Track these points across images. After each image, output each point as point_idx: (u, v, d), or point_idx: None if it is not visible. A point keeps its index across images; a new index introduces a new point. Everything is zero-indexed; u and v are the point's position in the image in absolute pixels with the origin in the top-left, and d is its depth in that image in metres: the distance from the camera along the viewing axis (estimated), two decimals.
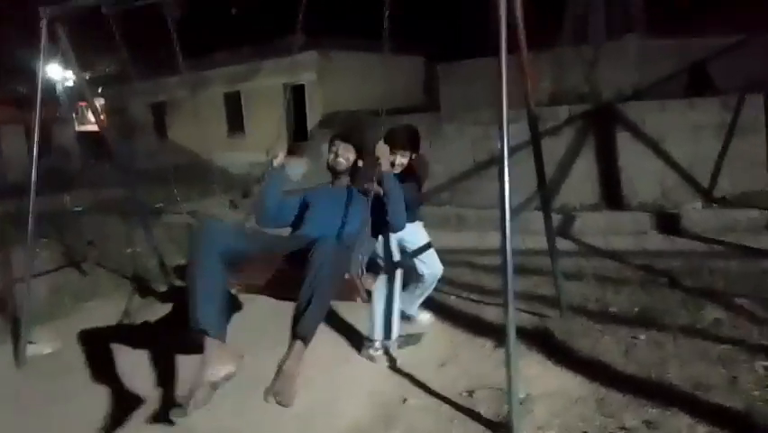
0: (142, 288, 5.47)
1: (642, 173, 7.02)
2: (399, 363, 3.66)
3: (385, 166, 2.90)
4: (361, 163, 3.30)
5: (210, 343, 2.24)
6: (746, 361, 3.11)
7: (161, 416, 2.91)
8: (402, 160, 3.49)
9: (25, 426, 3.13)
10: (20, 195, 11.50)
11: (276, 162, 3.10)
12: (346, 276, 2.43)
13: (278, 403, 2.19)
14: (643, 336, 3.52)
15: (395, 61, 14.45)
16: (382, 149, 2.93)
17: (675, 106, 7.13)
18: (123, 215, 7.86)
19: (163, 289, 5.22)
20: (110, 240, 7.60)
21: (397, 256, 3.71)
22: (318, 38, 12.74)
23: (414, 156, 3.58)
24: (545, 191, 3.74)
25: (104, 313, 4.83)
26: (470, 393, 3.12)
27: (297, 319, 2.28)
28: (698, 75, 8.58)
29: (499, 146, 2.76)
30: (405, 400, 3.16)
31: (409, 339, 3.88)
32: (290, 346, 2.27)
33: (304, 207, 3.22)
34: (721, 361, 3.12)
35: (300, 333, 2.26)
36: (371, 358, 3.68)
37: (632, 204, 6.96)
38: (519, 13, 3.28)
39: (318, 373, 3.46)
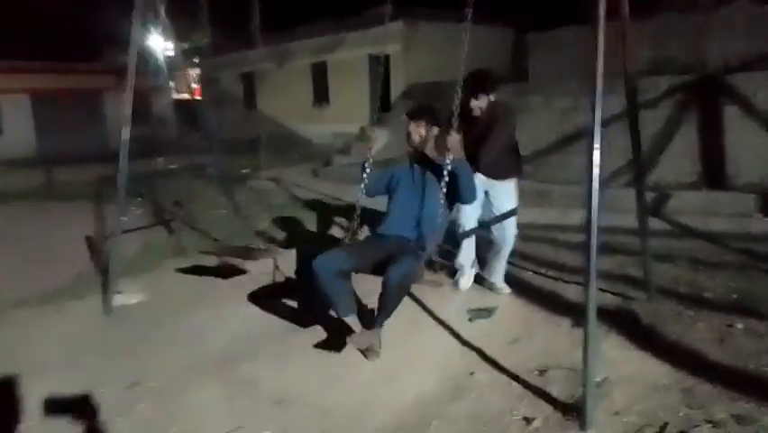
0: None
1: (748, 151, 6.42)
2: (470, 336, 3.55)
3: (456, 154, 3.10)
4: (437, 131, 3.45)
5: (351, 320, 3.20)
6: None
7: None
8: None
9: (112, 369, 3.29)
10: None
11: (374, 151, 3.49)
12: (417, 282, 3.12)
13: (366, 356, 3.22)
14: (740, 325, 3.20)
15: (482, 32, 13.96)
16: (453, 141, 3.07)
17: None
18: (210, 178, 8.13)
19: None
20: (197, 201, 7.90)
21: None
22: (404, 8, 12.53)
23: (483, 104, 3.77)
24: (640, 166, 3.44)
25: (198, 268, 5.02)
26: (543, 372, 2.97)
27: (377, 316, 3.13)
28: None
29: (593, 115, 2.52)
30: (472, 374, 3.06)
31: (481, 313, 3.76)
32: (372, 331, 3.16)
33: (393, 182, 3.59)
34: None
35: (378, 325, 3.16)
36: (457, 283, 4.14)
37: (735, 184, 6.39)
38: None
39: (387, 343, 3.42)
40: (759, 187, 6.25)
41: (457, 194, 3.26)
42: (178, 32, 4.66)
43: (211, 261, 4.66)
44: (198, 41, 21.40)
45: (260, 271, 4.55)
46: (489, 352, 3.29)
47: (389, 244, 3.30)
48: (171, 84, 21.79)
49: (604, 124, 7.16)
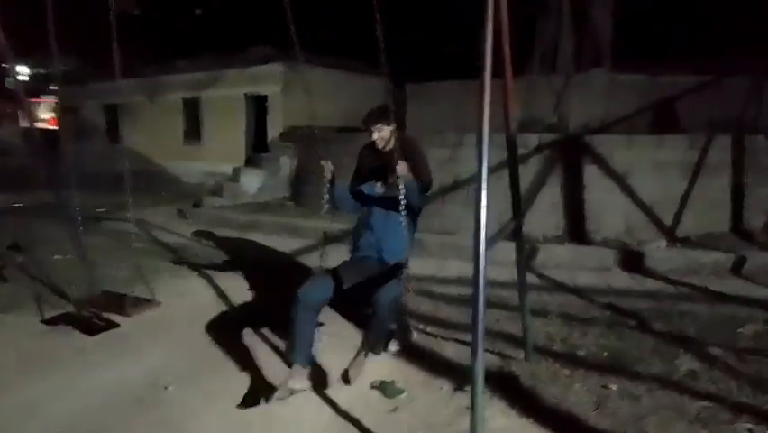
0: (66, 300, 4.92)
1: (607, 208, 6.86)
2: (345, 405, 3.26)
3: (407, 179, 3.41)
4: (394, 126, 3.85)
5: (296, 366, 3.26)
6: (728, 421, 2.83)
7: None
8: (382, 134, 3.83)
9: None
10: None
11: (328, 177, 3.59)
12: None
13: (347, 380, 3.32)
14: (614, 387, 3.22)
15: (360, 79, 14.20)
16: (402, 167, 3.38)
17: (642, 142, 7.02)
18: (60, 219, 7.25)
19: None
20: (41, 245, 6.97)
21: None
22: (284, 49, 12.37)
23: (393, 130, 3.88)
24: (519, 219, 3.42)
25: (17, 328, 4.29)
26: None
27: (367, 341, 3.49)
28: (664, 112, 8.57)
29: (477, 165, 2.41)
30: None
31: (393, 389, 3.46)
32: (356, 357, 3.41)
33: (365, 199, 3.89)
34: (701, 421, 2.84)
35: (369, 349, 3.47)
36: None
37: (595, 239, 6.77)
38: (506, 36, 3.00)
39: (253, 415, 3.04)
40: (615, 242, 6.67)
41: (410, 201, 3.51)
42: (31, 55, 4.08)
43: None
44: (55, 66, 19.86)
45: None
46: (367, 424, 3.02)
47: (370, 266, 3.60)
48: (19, 111, 19.85)
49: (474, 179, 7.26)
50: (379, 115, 3.81)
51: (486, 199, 2.46)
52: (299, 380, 3.23)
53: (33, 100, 23.21)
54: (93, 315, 4.30)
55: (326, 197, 3.57)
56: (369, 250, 3.73)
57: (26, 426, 3.02)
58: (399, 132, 3.90)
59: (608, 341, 3.92)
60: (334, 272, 3.51)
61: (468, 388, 3.29)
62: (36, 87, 22.50)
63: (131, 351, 3.88)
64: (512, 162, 3.31)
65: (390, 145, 3.81)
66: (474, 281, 2.40)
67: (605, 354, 3.72)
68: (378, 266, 3.60)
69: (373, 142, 3.89)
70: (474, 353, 2.34)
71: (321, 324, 3.55)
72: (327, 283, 3.38)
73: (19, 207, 5.80)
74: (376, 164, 3.96)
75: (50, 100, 22.74)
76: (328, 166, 3.57)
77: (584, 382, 3.30)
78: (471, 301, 2.39)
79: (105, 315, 4.31)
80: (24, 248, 6.52)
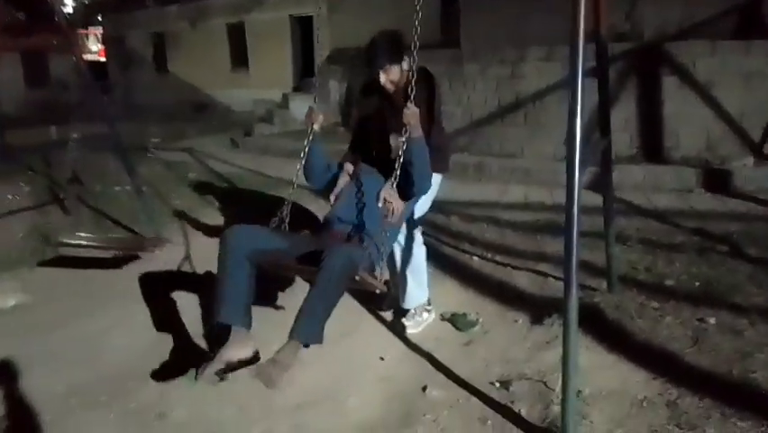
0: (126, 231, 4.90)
1: (686, 123, 6.28)
2: (418, 339, 3.11)
3: (415, 133, 2.52)
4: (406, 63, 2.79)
5: (235, 331, 2.34)
6: None
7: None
8: (390, 76, 2.79)
9: None
10: (13, 126, 10.88)
11: (317, 128, 2.73)
12: (357, 278, 2.26)
13: (264, 384, 2.12)
14: (712, 320, 2.90)
15: None
16: (411, 113, 2.48)
17: (728, 49, 6.29)
18: (115, 150, 7.25)
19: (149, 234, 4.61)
20: (99, 177, 6.98)
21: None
22: None
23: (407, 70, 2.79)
24: (609, 137, 3.04)
25: (80, 260, 4.28)
26: (506, 385, 2.55)
27: (298, 322, 2.22)
28: (751, 15, 7.66)
29: (571, 78, 2.06)
30: (425, 389, 2.61)
31: (466, 321, 3.26)
32: (287, 344, 2.20)
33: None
34: None
35: (299, 337, 2.20)
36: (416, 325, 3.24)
37: (673, 156, 6.26)
38: None
39: (318, 353, 2.90)
40: (696, 160, 6.14)
41: (410, 182, 2.60)
42: None
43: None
44: None
45: (165, 264, 3.92)
46: (441, 359, 2.86)
47: (329, 235, 2.64)
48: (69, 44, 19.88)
49: (544, 93, 6.71)
50: (385, 50, 2.77)
51: (580, 119, 2.13)
52: (240, 347, 2.30)
53: (82, 32, 23.24)
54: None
55: (306, 154, 2.72)
56: (347, 213, 2.71)
57: (90, 358, 2.99)
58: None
59: (698, 269, 3.57)
60: (279, 230, 2.66)
61: (546, 321, 3.09)
62: (82, 18, 22.43)
63: (185, 285, 3.79)
64: (602, 74, 2.90)
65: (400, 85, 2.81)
66: (567, 212, 2.10)
67: (696, 283, 3.39)
68: (337, 234, 2.64)
69: (374, 81, 2.85)
70: (568, 290, 2.07)
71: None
72: (262, 233, 2.53)
73: (77, 138, 5.78)
74: (376, 116, 2.95)
75: (98, 31, 22.69)
76: (316, 116, 2.70)
77: (676, 315, 3.01)
78: (564, 232, 2.10)
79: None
80: (84, 180, 6.53)
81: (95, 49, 23.43)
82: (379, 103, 2.94)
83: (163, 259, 4.03)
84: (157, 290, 3.58)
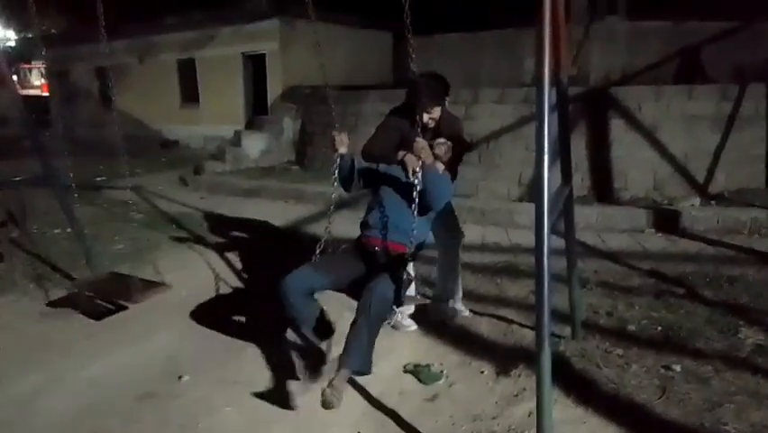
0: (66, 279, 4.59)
1: (634, 164, 6.47)
2: (377, 392, 2.95)
3: (428, 161, 2.79)
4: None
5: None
6: None
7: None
8: (433, 115, 3.19)
9: None
10: None
11: (342, 151, 3.02)
12: (395, 307, 2.70)
13: (324, 407, 2.38)
14: (678, 367, 2.89)
15: (362, 35, 13.56)
16: (422, 145, 2.74)
17: (671, 93, 6.57)
18: (56, 190, 6.90)
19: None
20: (36, 218, 6.60)
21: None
22: (281, 4, 11.74)
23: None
24: (570, 182, 3.02)
25: (15, 311, 3.98)
26: None
27: (347, 352, 2.51)
28: (689, 61, 8.07)
29: (537, 122, 2.01)
30: None
31: (430, 373, 3.12)
32: (338, 373, 2.46)
33: (381, 172, 3.19)
34: None
35: (350, 366, 2.49)
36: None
37: (623, 197, 6.41)
38: None
39: (273, 411, 2.73)
40: (645, 201, 6.31)
41: (427, 201, 2.88)
42: (19, 19, 3.61)
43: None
44: (45, 29, 19.09)
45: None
46: (405, 416, 2.71)
47: (370, 259, 2.95)
48: (14, 78, 19.16)
49: (499, 133, 6.78)
50: (441, 93, 3.17)
51: (548, 164, 2.08)
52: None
53: (24, 66, 22.48)
54: (98, 297, 3.95)
55: (340, 172, 3.06)
56: (375, 228, 3.04)
57: (21, 422, 2.70)
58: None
59: (657, 313, 3.58)
60: (323, 263, 2.93)
61: (513, 372, 3.00)
62: (24, 53, 21.75)
63: (137, 336, 3.55)
64: (563, 118, 2.89)
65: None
66: (538, 265, 2.02)
67: (658, 328, 3.39)
68: (378, 257, 2.95)
69: (407, 109, 3.21)
70: (540, 345, 1.99)
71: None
72: (310, 274, 2.81)
73: (17, 180, 5.44)
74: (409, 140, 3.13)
75: (41, 65, 22.00)
76: (342, 138, 2.98)
77: (641, 363, 2.98)
78: (536, 284, 2.02)
79: (112, 298, 3.96)
80: (20, 222, 6.15)
81: (37, 83, 22.71)
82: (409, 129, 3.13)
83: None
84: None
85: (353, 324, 2.57)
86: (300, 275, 2.77)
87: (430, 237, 3.35)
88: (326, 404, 2.36)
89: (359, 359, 2.51)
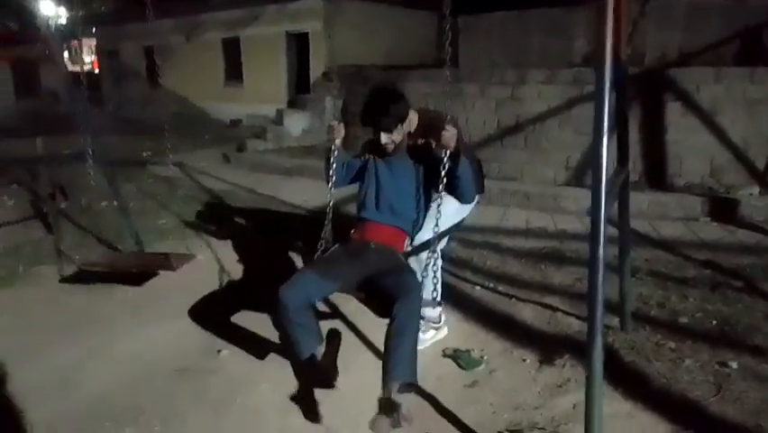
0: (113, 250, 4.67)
1: (690, 149, 6.17)
2: (418, 376, 2.88)
3: (455, 151, 2.53)
4: (414, 117, 2.91)
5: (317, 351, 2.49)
6: None
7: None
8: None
9: None
10: (1, 137, 10.61)
11: (335, 147, 2.79)
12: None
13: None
14: (734, 364, 2.72)
15: (405, 14, 13.35)
16: (450, 135, 2.49)
17: (732, 75, 6.20)
18: (104, 164, 7.05)
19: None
20: (84, 191, 6.75)
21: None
22: None
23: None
24: (626, 164, 2.85)
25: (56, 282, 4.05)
26: None
27: (392, 364, 2.28)
28: (751, 42, 7.62)
29: (596, 105, 1.88)
30: None
31: (471, 359, 3.04)
32: (390, 386, 2.23)
33: (369, 166, 2.93)
34: None
35: (397, 376, 2.26)
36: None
37: (677, 184, 6.13)
38: None
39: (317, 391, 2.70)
40: (700, 187, 6.02)
41: (455, 192, 2.69)
42: None
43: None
44: (95, 8, 19.49)
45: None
46: (444, 402, 2.65)
47: (373, 256, 2.69)
48: (65, 55, 19.65)
49: (545, 115, 6.56)
50: (388, 115, 2.71)
51: (606, 147, 1.95)
52: (325, 359, 2.53)
53: (75, 43, 23.04)
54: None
55: (333, 166, 2.79)
56: (375, 209, 2.85)
57: (63, 395, 2.75)
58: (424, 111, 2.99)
59: (713, 306, 3.39)
60: (325, 266, 2.65)
61: (557, 362, 2.89)
62: (75, 30, 22.25)
63: (178, 311, 3.57)
64: (621, 100, 2.72)
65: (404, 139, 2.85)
66: (593, 254, 1.90)
67: (713, 322, 3.21)
68: (381, 254, 2.71)
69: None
70: (592, 338, 1.88)
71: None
72: (313, 282, 2.54)
73: (68, 153, 5.62)
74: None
75: (91, 43, 22.50)
76: (338, 131, 2.77)
77: (695, 358, 2.82)
78: (589, 276, 1.90)
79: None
80: (69, 195, 6.30)
81: (88, 60, 23.25)
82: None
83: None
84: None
85: (389, 337, 2.33)
86: (301, 283, 2.50)
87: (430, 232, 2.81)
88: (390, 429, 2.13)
89: (408, 365, 2.29)
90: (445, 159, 2.51)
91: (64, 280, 4.00)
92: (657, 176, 6.20)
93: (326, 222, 2.85)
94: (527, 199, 6.10)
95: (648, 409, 2.44)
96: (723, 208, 5.33)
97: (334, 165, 2.80)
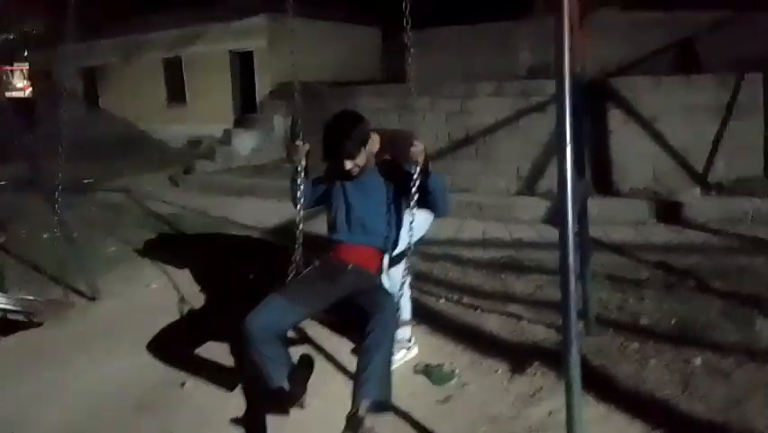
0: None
1: (633, 156, 6.39)
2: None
3: (424, 166, 2.51)
4: (376, 139, 2.79)
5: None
6: None
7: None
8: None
9: None
10: None
11: (301, 167, 2.72)
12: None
13: None
14: (698, 361, 2.81)
15: (350, 30, 13.43)
16: (419, 150, 2.48)
17: (670, 83, 6.50)
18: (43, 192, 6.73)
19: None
20: (24, 222, 6.43)
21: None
22: (267, 1, 11.57)
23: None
24: (583, 173, 2.92)
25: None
26: None
27: (364, 385, 2.19)
28: (685, 52, 8.03)
29: (558, 117, 1.92)
30: None
31: (443, 373, 3.01)
32: (357, 403, 2.14)
33: (334, 194, 2.82)
34: None
35: (366, 394, 2.17)
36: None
37: (623, 189, 6.33)
38: None
39: (281, 419, 2.61)
40: (645, 192, 6.24)
41: (429, 205, 2.69)
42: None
43: None
44: (27, 30, 18.74)
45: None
46: (419, 419, 2.61)
47: (350, 277, 2.61)
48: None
49: (494, 127, 6.67)
50: (350, 139, 2.61)
51: (570, 156, 1.98)
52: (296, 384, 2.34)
53: (5, 68, 22.10)
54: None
55: (300, 188, 2.71)
56: (347, 230, 2.75)
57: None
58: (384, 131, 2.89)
59: (670, 306, 3.50)
60: (294, 291, 2.54)
61: (528, 370, 2.91)
62: (6, 54, 21.37)
63: (129, 343, 3.41)
64: (575, 110, 2.77)
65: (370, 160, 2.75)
66: (563, 263, 1.93)
67: (672, 321, 3.31)
68: (354, 275, 2.63)
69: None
70: (568, 347, 1.90)
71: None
72: (281, 308, 2.42)
73: (2, 183, 5.29)
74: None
75: (23, 67, 21.68)
76: (303, 148, 2.70)
77: (659, 357, 2.89)
78: (561, 283, 1.93)
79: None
80: (7, 226, 5.98)
81: (20, 85, 22.38)
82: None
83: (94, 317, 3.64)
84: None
85: (361, 353, 2.27)
86: (268, 311, 2.37)
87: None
88: None
89: (379, 384, 2.22)
90: (416, 174, 2.48)
91: None
92: (604, 182, 6.39)
93: (297, 246, 2.76)
94: (481, 210, 6.17)
95: (621, 410, 2.48)
96: (669, 211, 5.54)
97: (302, 187, 2.72)
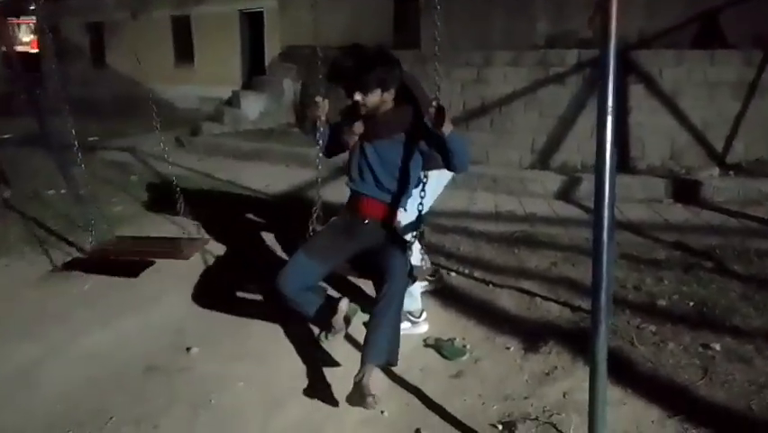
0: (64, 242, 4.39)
1: (652, 132, 6.23)
2: (398, 368, 2.77)
3: (447, 129, 2.42)
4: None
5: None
6: None
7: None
8: (371, 98, 2.56)
9: None
10: None
11: (321, 122, 2.71)
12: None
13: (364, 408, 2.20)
14: (717, 346, 2.73)
15: None
16: (440, 114, 2.37)
17: (693, 58, 6.30)
18: (48, 149, 6.62)
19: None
20: (29, 179, 6.36)
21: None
22: None
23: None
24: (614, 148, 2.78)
25: (11, 276, 3.78)
26: (510, 428, 2.26)
27: (369, 344, 2.33)
28: (708, 25, 7.75)
29: (600, 88, 1.81)
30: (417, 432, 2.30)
31: (454, 349, 2.96)
32: (364, 369, 2.26)
33: (354, 147, 2.75)
34: None
35: (373, 358, 2.30)
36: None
37: (639, 166, 6.20)
38: None
39: (293, 387, 2.57)
40: (661, 170, 6.10)
41: (449, 165, 2.58)
42: None
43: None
44: None
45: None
46: (430, 394, 2.55)
47: (366, 233, 2.68)
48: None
49: (511, 97, 6.48)
50: (370, 74, 2.50)
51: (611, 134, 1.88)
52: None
53: (13, 21, 21.74)
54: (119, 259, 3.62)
55: (320, 142, 2.74)
56: (365, 183, 2.70)
57: (23, 395, 2.53)
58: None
59: (688, 288, 3.41)
60: (315, 247, 2.61)
61: (542, 349, 2.84)
62: (13, 7, 21.01)
63: (141, 305, 3.36)
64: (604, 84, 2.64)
65: (388, 105, 2.65)
66: (596, 243, 1.83)
67: (690, 303, 3.23)
68: (371, 231, 2.67)
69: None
70: (596, 333, 1.82)
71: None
72: (305, 266, 2.53)
73: (6, 137, 5.16)
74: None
75: (30, 21, 21.35)
76: (324, 104, 2.66)
77: (677, 340, 2.82)
78: (593, 263, 1.84)
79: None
80: (13, 183, 5.90)
81: (26, 39, 22.04)
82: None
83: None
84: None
85: (371, 318, 2.39)
86: (295, 270, 2.50)
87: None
88: (365, 406, 2.17)
89: (384, 349, 2.33)
90: (442, 134, 2.41)
91: (55, 270, 3.77)
92: (621, 159, 6.24)
93: (317, 197, 2.90)
94: (494, 183, 6.06)
95: (638, 394, 2.41)
96: (686, 190, 5.42)
97: (325, 138, 2.75)
